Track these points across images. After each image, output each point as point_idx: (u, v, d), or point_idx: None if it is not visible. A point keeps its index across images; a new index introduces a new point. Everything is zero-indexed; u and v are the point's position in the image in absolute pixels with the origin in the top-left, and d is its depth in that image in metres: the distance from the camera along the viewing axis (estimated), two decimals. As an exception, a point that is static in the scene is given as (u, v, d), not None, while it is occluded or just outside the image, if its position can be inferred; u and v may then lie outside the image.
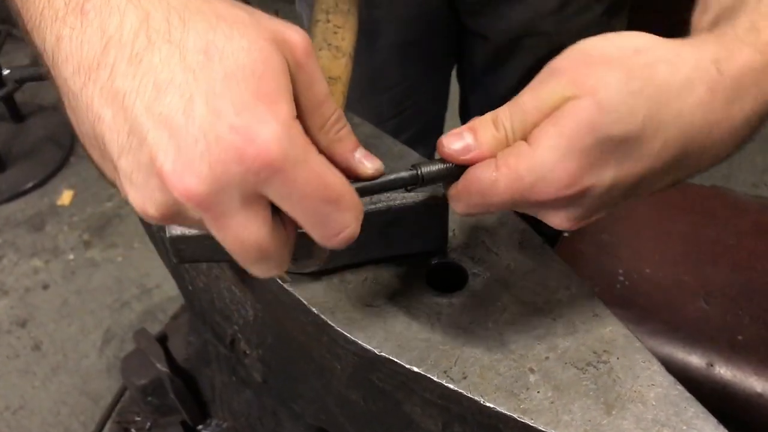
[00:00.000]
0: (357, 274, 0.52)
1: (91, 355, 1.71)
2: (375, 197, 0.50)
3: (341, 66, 0.65)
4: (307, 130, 0.36)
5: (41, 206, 2.09)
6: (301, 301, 0.50)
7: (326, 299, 0.50)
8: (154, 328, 1.73)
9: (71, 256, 1.95)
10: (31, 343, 1.74)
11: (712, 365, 1.04)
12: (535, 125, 0.40)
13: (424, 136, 1.20)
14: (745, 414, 1.01)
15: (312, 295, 0.50)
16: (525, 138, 0.41)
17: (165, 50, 0.33)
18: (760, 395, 1.00)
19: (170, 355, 0.79)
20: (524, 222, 0.55)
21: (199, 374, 0.79)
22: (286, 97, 0.34)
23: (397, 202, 0.50)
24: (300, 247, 0.49)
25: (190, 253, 0.50)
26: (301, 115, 0.36)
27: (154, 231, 0.69)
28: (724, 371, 1.03)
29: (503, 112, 0.41)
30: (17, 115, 2.31)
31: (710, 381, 1.02)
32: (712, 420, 0.43)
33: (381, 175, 0.41)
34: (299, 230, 0.48)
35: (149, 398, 0.80)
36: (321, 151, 0.37)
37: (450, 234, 0.53)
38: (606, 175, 0.39)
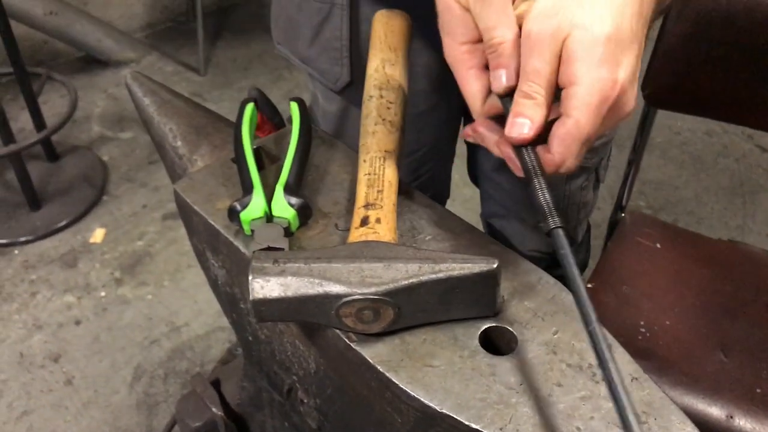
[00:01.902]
0: (415, 335, 0.57)
1: (121, 390, 1.76)
2: (435, 267, 0.56)
3: (395, 140, 0.71)
4: None
5: (74, 244, 2.16)
6: (366, 359, 0.56)
7: (390, 358, 0.56)
8: (182, 366, 1.80)
9: (103, 293, 2.01)
10: (63, 378, 1.79)
11: (732, 417, 1.08)
12: (554, 72, 0.51)
13: (441, 196, 1.27)
14: (764, 466, 1.04)
15: (376, 354, 0.56)
16: (556, 85, 0.52)
17: None
18: (779, 447, 1.03)
19: (224, 398, 0.84)
20: (566, 289, 0.61)
21: (251, 418, 0.84)
22: None
23: (455, 272, 0.56)
24: (367, 311, 0.55)
25: (269, 313, 0.56)
26: None
27: (219, 285, 0.75)
28: (744, 423, 1.07)
29: (526, 86, 0.52)
30: (52, 154, 2.39)
31: (730, 432, 1.06)
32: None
33: None
34: (374, 297, 0.55)
35: (202, 440, 0.85)
36: None
37: (500, 300, 0.59)
38: (625, 62, 0.51)
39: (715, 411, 1.09)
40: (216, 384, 0.88)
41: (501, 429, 0.50)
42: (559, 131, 0.51)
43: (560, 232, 0.50)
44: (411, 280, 0.55)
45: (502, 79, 0.53)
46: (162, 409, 1.72)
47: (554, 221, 0.50)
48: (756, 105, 1.27)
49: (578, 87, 0.50)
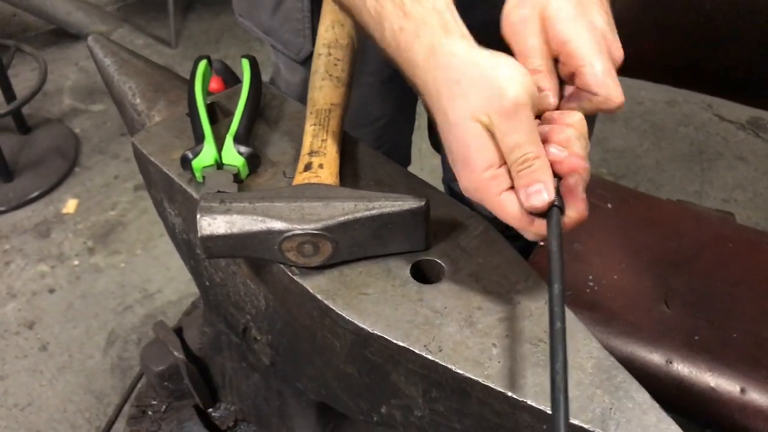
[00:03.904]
0: (353, 268, 0.63)
1: (95, 355, 1.80)
2: (369, 204, 0.61)
3: (341, 94, 0.76)
4: None
5: (47, 214, 2.18)
6: (307, 289, 0.61)
7: (328, 288, 0.61)
8: (156, 331, 1.84)
9: (76, 262, 2.04)
10: (38, 344, 1.83)
11: (671, 362, 1.15)
12: (545, 43, 0.57)
13: (402, 163, 1.31)
14: (700, 406, 1.11)
15: (317, 285, 0.61)
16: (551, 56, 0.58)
17: None
18: (713, 389, 1.10)
19: (186, 344, 0.89)
20: (495, 228, 0.66)
21: (212, 362, 0.90)
22: None
23: (387, 209, 0.61)
24: (307, 245, 0.60)
25: (217, 250, 0.61)
26: None
27: (177, 233, 0.79)
28: (682, 368, 1.14)
29: (529, 63, 0.57)
30: (24, 127, 2.40)
31: (669, 377, 1.13)
32: (635, 383, 0.54)
33: None
34: (313, 231, 0.60)
35: (165, 383, 0.90)
36: None
37: (431, 236, 0.64)
38: (594, 14, 0.57)
39: (655, 357, 1.15)
40: (179, 332, 0.93)
41: (425, 346, 0.56)
42: (587, 80, 0.55)
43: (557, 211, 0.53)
44: (347, 217, 0.60)
45: (543, 195, 0.51)
46: (135, 372, 1.76)
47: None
48: (704, 70, 1.32)
49: (573, 42, 0.55)
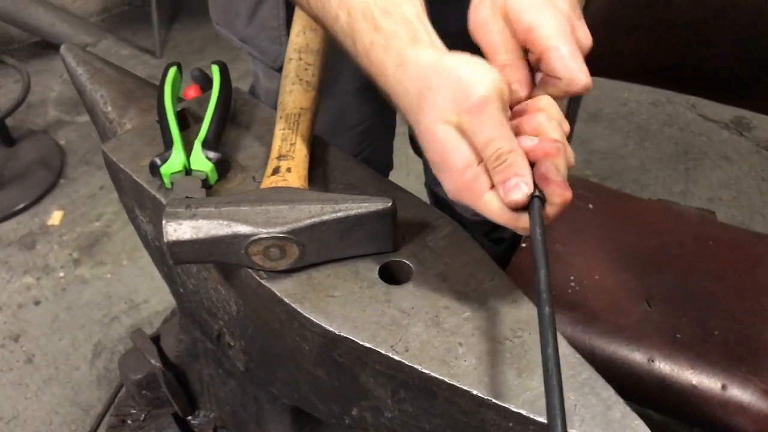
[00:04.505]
0: (321, 271, 0.63)
1: (81, 367, 1.79)
2: (336, 207, 0.61)
3: (310, 99, 0.76)
4: None
5: (32, 226, 2.18)
6: (275, 293, 0.61)
7: (296, 291, 0.61)
8: (143, 341, 1.84)
9: (61, 274, 2.04)
10: (24, 357, 1.82)
11: (652, 361, 1.15)
12: (512, 34, 0.57)
13: (384, 168, 1.31)
14: (682, 403, 1.11)
15: (284, 288, 0.61)
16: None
17: None
18: (694, 387, 1.10)
19: (163, 352, 0.89)
20: (462, 228, 0.66)
21: (189, 369, 0.89)
22: None
23: (353, 211, 0.61)
24: (273, 248, 0.60)
25: (183, 255, 0.61)
26: None
27: (149, 240, 0.79)
28: (663, 366, 1.14)
29: (500, 55, 0.57)
30: (8, 138, 2.39)
31: (651, 375, 1.13)
32: (601, 380, 0.54)
33: None
34: (279, 234, 0.59)
35: (144, 392, 0.90)
36: None
37: (398, 237, 0.64)
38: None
39: (637, 356, 1.16)
40: (156, 339, 0.92)
41: (392, 346, 0.56)
42: (551, 64, 0.55)
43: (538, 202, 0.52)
44: (313, 219, 0.60)
45: (521, 188, 0.50)
46: (122, 382, 1.76)
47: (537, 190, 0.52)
48: (685, 70, 1.33)
49: (537, 29, 0.55)
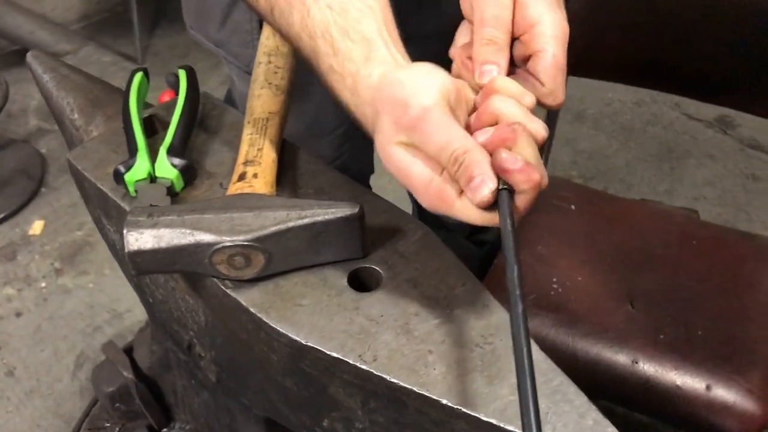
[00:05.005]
0: (288, 279, 0.61)
1: (64, 378, 1.77)
2: (302, 213, 0.59)
3: (279, 102, 0.75)
4: None
5: (13, 237, 2.15)
6: (240, 303, 0.60)
7: (262, 301, 0.59)
8: (125, 351, 1.81)
9: (43, 284, 2.01)
10: (4, 369, 1.79)
11: (636, 362, 1.14)
12: (511, 18, 0.56)
13: (364, 172, 1.29)
14: (666, 404, 1.11)
15: (250, 298, 0.60)
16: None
17: None
18: (678, 387, 1.10)
19: (136, 364, 0.87)
20: (433, 233, 0.65)
21: (162, 380, 0.87)
22: None
23: (320, 217, 0.59)
24: (238, 257, 0.58)
25: (145, 265, 0.59)
26: None
27: (117, 250, 0.77)
28: (647, 367, 1.13)
29: (486, 31, 0.55)
30: (-12, 148, 2.37)
31: (635, 376, 1.12)
32: (573, 386, 0.52)
33: None
34: (243, 243, 0.58)
35: (117, 404, 0.88)
36: None
37: (367, 243, 0.63)
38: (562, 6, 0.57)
39: (621, 357, 1.15)
40: (129, 351, 0.91)
41: (360, 356, 0.54)
42: (541, 65, 0.54)
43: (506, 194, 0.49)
44: (279, 226, 0.59)
45: (486, 184, 0.48)
46: (104, 393, 1.74)
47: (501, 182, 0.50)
48: (668, 70, 1.33)
49: (542, 25, 0.55)
